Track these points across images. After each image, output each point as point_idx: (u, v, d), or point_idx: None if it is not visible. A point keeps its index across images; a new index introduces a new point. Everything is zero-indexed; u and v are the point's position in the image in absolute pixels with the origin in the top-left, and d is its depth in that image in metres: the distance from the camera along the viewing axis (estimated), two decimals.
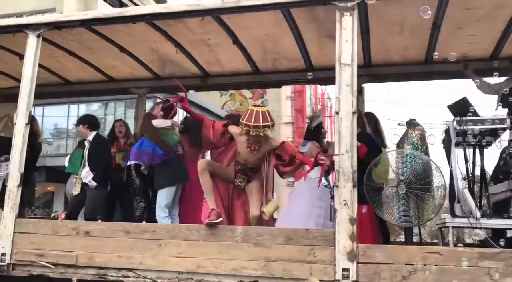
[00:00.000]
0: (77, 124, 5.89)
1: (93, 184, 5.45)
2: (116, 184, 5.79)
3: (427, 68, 5.53)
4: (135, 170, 5.33)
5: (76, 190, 5.49)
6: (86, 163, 5.52)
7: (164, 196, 5.16)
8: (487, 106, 5.08)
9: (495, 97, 5.07)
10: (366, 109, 5.60)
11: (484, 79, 5.20)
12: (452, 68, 5.31)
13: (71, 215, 5.51)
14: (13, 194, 4.29)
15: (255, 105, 4.36)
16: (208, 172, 4.32)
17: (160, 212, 5.14)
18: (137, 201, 5.35)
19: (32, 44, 4.54)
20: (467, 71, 5.19)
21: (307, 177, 5.21)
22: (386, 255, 3.46)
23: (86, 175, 5.49)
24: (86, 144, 5.64)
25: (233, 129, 4.49)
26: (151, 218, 5.44)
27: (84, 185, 5.48)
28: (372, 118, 5.18)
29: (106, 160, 5.66)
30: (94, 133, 5.68)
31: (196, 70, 6.03)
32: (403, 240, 5.59)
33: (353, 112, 3.64)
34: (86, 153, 5.57)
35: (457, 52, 5.17)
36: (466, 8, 4.31)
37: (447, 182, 4.27)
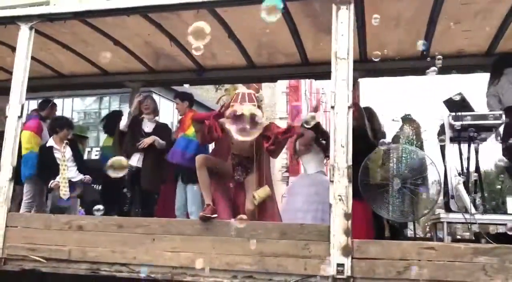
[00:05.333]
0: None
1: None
2: None
3: (422, 63, 5.50)
4: None
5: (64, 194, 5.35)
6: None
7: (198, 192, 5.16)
8: (483, 102, 5.07)
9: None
10: (362, 104, 5.56)
11: None
12: (447, 63, 5.28)
13: None
14: (5, 187, 4.25)
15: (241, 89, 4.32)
16: (206, 167, 4.26)
17: (194, 209, 5.13)
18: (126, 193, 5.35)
19: (24, 36, 4.48)
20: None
21: (305, 172, 5.20)
22: (381, 250, 3.45)
23: (75, 174, 5.52)
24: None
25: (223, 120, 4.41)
26: (144, 212, 5.40)
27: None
28: (367, 112, 5.11)
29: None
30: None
31: (191, 64, 5.98)
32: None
33: (349, 107, 3.62)
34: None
35: (453, 47, 5.18)
36: (463, 3, 4.29)
37: (442, 177, 4.27)
